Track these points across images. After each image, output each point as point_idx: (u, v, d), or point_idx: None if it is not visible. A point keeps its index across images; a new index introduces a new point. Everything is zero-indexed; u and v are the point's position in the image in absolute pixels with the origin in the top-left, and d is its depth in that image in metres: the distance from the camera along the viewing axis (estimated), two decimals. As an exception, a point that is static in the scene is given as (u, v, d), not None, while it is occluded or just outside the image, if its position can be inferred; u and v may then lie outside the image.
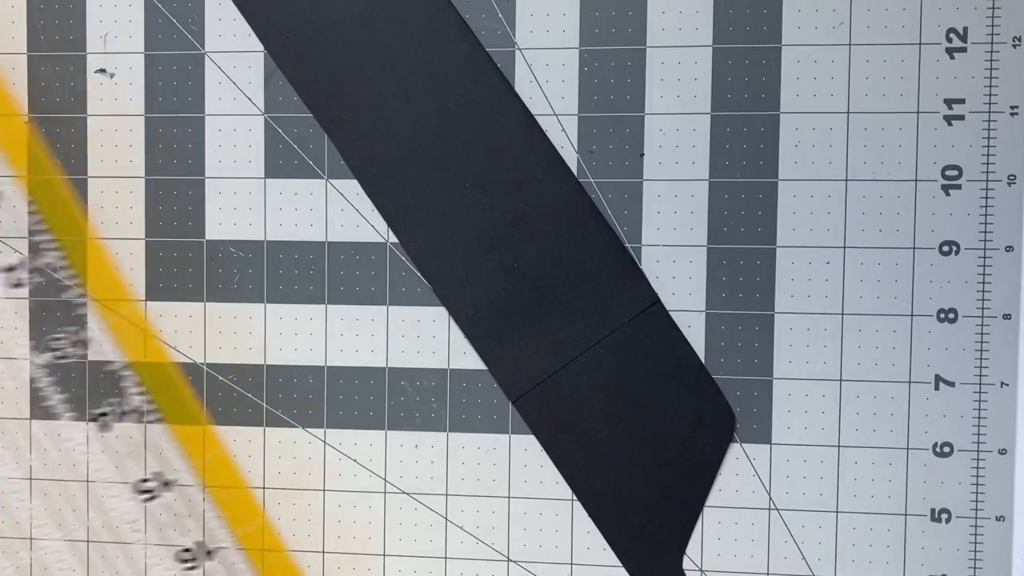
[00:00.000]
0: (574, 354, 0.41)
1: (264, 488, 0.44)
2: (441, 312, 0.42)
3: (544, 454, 0.42)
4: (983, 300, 0.40)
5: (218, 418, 0.44)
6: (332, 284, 0.43)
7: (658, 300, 0.41)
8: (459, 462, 0.43)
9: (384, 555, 0.43)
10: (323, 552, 0.44)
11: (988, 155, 0.40)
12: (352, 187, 0.42)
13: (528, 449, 0.42)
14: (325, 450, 0.43)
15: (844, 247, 0.41)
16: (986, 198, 0.40)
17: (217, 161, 0.43)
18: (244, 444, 0.44)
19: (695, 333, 0.42)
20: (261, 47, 0.43)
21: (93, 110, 0.43)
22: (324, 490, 0.43)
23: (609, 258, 0.41)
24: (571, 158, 0.42)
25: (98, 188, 0.44)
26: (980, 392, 0.40)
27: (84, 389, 0.44)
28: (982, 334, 0.40)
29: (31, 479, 0.45)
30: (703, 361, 0.41)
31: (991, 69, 0.40)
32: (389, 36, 0.42)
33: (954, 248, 0.40)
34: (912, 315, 0.41)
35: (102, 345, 0.44)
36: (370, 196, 0.42)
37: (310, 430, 0.43)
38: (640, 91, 0.41)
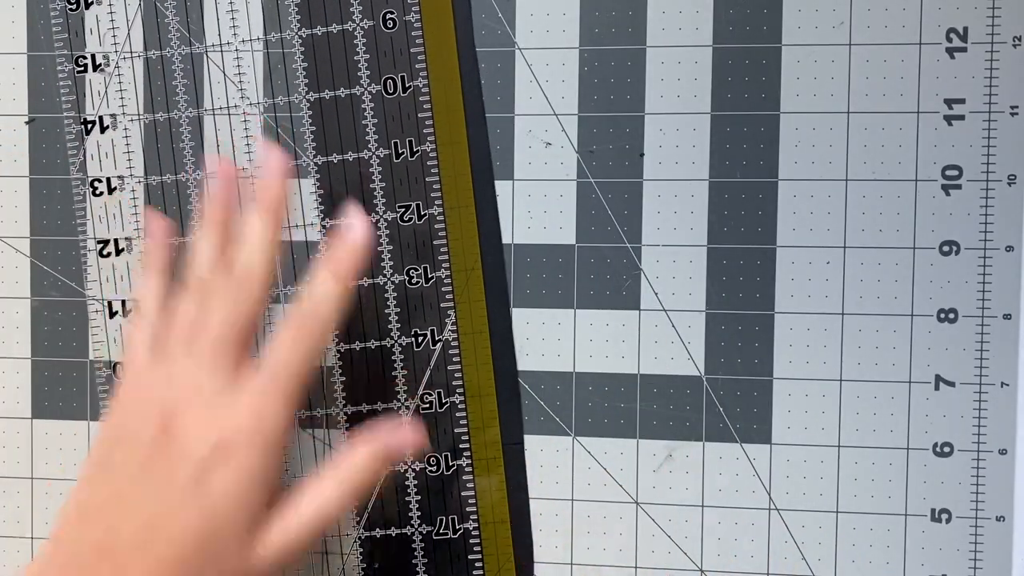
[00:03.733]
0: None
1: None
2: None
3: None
4: (983, 300, 0.40)
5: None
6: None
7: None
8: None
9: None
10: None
11: (988, 155, 0.40)
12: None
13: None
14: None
15: (844, 247, 0.41)
16: (986, 198, 0.40)
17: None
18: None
19: (695, 333, 0.41)
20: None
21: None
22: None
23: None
24: (571, 158, 0.42)
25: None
26: (980, 392, 0.40)
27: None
28: (982, 334, 0.40)
29: (32, 478, 0.45)
30: (703, 361, 0.41)
31: (991, 69, 0.40)
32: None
33: (954, 248, 0.40)
34: (912, 315, 0.41)
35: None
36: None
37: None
38: (640, 91, 0.41)
